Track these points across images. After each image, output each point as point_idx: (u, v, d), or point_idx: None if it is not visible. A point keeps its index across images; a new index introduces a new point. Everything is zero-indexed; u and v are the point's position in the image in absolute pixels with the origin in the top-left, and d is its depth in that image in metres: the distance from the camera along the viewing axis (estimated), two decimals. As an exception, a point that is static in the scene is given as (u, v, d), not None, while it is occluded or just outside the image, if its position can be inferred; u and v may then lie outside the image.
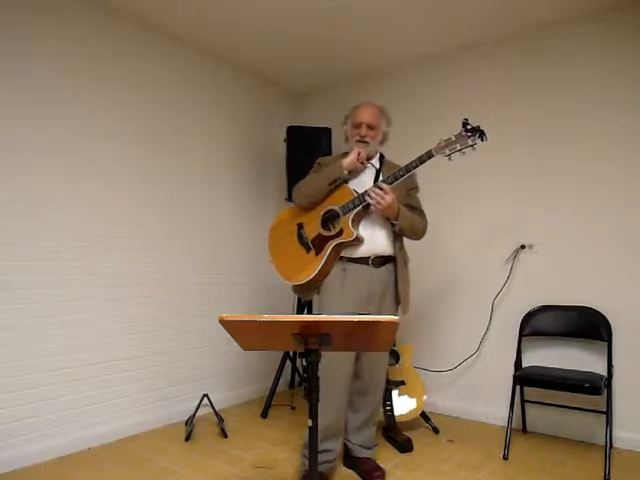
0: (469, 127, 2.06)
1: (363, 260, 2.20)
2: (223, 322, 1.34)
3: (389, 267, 2.25)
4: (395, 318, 1.29)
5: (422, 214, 2.37)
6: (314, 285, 2.26)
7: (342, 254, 2.21)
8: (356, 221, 2.18)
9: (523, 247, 2.96)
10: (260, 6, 2.78)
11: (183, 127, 3.18)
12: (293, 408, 3.29)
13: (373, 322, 1.31)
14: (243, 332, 1.43)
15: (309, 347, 1.38)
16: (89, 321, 2.63)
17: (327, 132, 3.38)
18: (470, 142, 2.06)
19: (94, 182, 2.69)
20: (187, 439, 2.69)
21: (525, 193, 2.97)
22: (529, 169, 2.97)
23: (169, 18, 2.91)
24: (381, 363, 2.34)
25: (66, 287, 2.54)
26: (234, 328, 1.39)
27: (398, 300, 2.27)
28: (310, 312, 3.40)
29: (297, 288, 2.32)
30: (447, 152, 2.09)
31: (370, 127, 2.26)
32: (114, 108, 2.79)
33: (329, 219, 2.22)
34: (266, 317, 1.30)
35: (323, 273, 2.21)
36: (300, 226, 2.31)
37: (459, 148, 2.07)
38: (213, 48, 3.31)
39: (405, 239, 2.34)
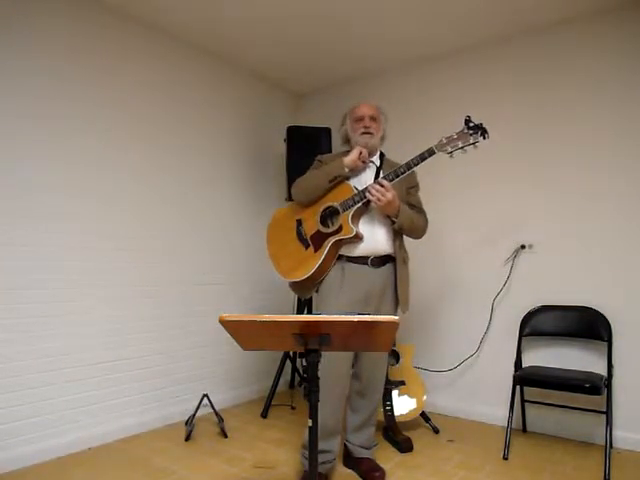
0: (471, 124, 2.06)
1: (362, 260, 2.18)
2: (223, 322, 1.33)
3: (389, 267, 2.24)
4: (395, 318, 1.29)
5: (423, 213, 2.36)
6: (312, 283, 2.24)
7: (341, 252, 2.19)
8: (356, 218, 2.17)
9: (523, 247, 2.96)
10: (261, 6, 2.78)
11: (183, 127, 3.18)
12: (293, 408, 3.29)
13: (373, 322, 1.30)
14: (243, 332, 1.42)
15: (309, 347, 1.37)
16: (89, 321, 2.63)
17: (327, 132, 3.38)
18: (472, 140, 2.06)
19: (94, 182, 2.69)
20: (187, 439, 2.69)
21: (525, 193, 2.97)
22: (529, 169, 2.97)
23: (170, 18, 2.91)
24: (380, 364, 2.33)
25: (66, 287, 2.54)
26: (234, 328, 1.39)
27: (397, 300, 2.25)
28: (310, 312, 3.40)
29: (295, 286, 2.30)
30: (449, 149, 2.08)
31: (373, 119, 2.28)
32: (114, 108, 2.79)
33: (328, 216, 2.21)
34: (266, 317, 1.30)
35: (321, 271, 2.18)
36: (299, 222, 2.28)
37: (461, 145, 2.07)
38: (213, 48, 3.31)
39: (405, 238, 2.33)
